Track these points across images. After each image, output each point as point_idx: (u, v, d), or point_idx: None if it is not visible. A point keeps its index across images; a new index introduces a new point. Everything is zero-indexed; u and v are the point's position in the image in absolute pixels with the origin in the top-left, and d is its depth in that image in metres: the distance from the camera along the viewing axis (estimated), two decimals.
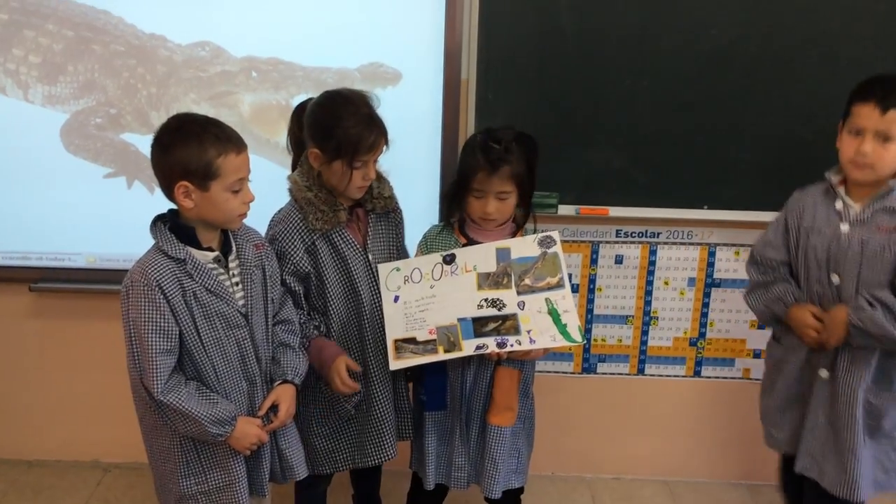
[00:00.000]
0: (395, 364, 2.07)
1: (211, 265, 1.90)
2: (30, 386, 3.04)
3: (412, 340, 2.08)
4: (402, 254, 2.30)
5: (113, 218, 2.74)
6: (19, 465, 3.09)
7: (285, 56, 2.60)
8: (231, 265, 1.94)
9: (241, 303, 1.94)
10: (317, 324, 2.18)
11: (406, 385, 2.32)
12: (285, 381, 2.03)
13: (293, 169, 2.19)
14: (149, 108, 2.65)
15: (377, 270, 2.17)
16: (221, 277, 1.92)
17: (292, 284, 2.12)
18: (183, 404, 1.82)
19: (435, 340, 2.06)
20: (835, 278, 2.09)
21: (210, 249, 1.91)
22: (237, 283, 1.95)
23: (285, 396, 2.02)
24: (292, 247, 2.09)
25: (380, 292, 2.17)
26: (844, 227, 2.07)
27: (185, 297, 1.84)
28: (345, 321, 2.19)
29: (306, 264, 2.10)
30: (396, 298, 2.14)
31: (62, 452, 3.13)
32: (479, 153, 2.11)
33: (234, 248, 1.96)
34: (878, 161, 2.00)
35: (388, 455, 2.24)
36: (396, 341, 2.09)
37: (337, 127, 2.00)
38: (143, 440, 1.99)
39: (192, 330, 1.85)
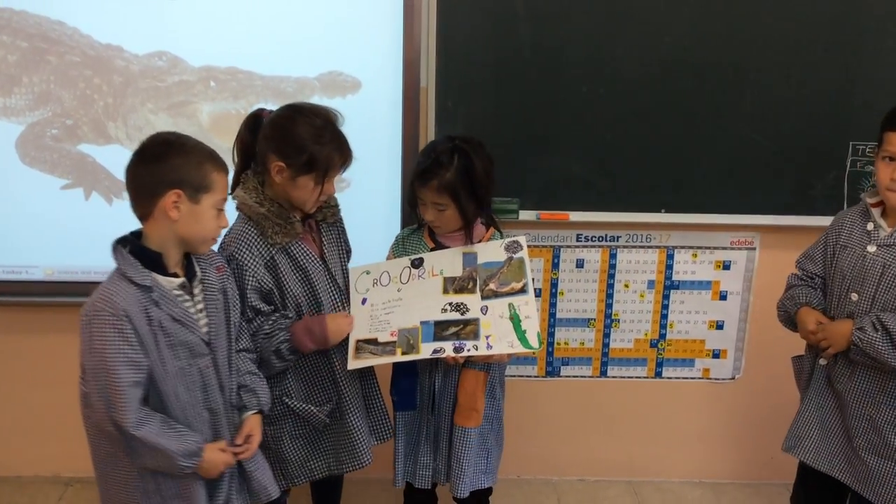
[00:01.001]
0: (352, 363, 2.09)
1: (176, 292, 1.83)
2: None
3: (373, 342, 2.10)
4: (349, 261, 2.30)
5: (71, 229, 2.71)
6: None
7: (244, 65, 2.60)
8: (195, 291, 1.88)
9: (204, 330, 1.88)
10: (290, 314, 2.12)
11: (377, 388, 2.32)
12: (259, 412, 2.02)
13: (235, 178, 2.11)
14: (106, 118, 2.63)
15: (336, 278, 2.17)
16: (187, 304, 1.85)
17: (258, 304, 2.07)
18: (155, 439, 1.75)
19: (395, 342, 2.08)
20: (854, 296, 2.14)
21: (174, 275, 1.84)
22: (201, 310, 1.88)
23: (257, 427, 2.01)
24: (252, 263, 2.04)
25: (339, 300, 2.18)
26: (871, 248, 2.12)
27: (152, 327, 1.76)
28: None
29: (268, 280, 2.06)
30: (364, 301, 2.16)
31: (22, 468, 3.08)
32: (416, 163, 2.16)
33: (198, 273, 1.89)
34: None
35: (363, 462, 2.24)
36: (358, 341, 2.11)
37: (313, 144, 1.99)
38: (95, 470, 1.91)
39: (157, 360, 1.78)
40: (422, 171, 2.10)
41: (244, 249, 2.04)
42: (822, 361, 2.23)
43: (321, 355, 2.17)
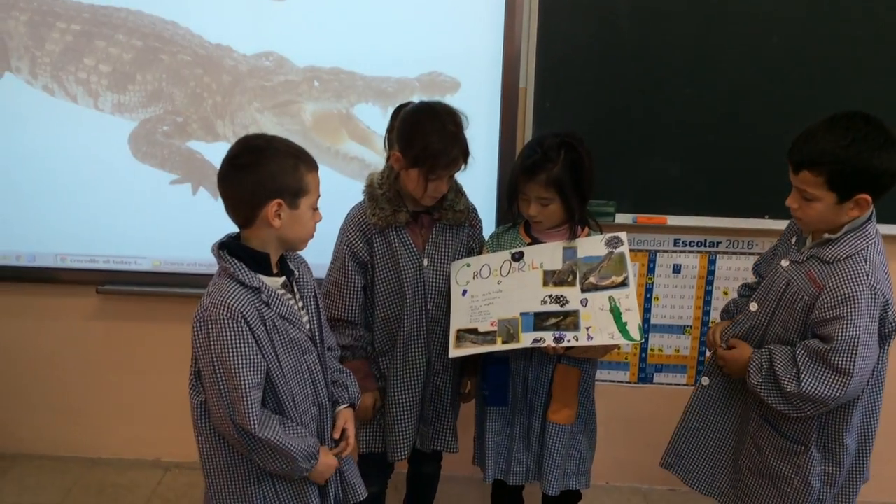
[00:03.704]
0: (454, 352, 2.13)
1: (280, 291, 1.85)
2: (94, 385, 3.13)
3: (473, 331, 2.12)
4: None
5: (178, 223, 2.82)
6: (83, 463, 3.18)
7: (346, 66, 2.65)
8: (294, 289, 1.91)
9: (307, 327, 1.91)
10: (366, 344, 2.26)
11: (448, 400, 2.35)
12: (350, 405, 2.06)
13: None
14: (214, 116, 2.72)
15: (427, 276, 2.22)
16: (291, 302, 1.87)
17: (357, 280, 2.19)
18: (279, 440, 1.77)
19: (495, 332, 2.10)
20: (753, 306, 2.06)
21: (276, 275, 1.87)
22: (301, 308, 1.92)
23: (351, 421, 2.04)
24: (354, 236, 2.18)
25: (422, 300, 2.22)
26: (784, 263, 2.01)
27: (266, 327, 1.78)
28: (385, 318, 2.25)
29: (365, 253, 2.18)
30: (464, 292, 2.19)
31: (124, 451, 3.21)
32: (522, 157, 2.15)
33: (294, 272, 1.92)
34: (803, 217, 1.92)
35: (399, 455, 2.30)
36: (458, 331, 2.14)
37: (420, 138, 2.05)
38: (208, 481, 1.91)
39: (274, 360, 1.79)
40: (530, 165, 2.10)
41: (352, 223, 2.20)
42: (705, 381, 2.19)
43: (385, 350, 2.27)
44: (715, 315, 2.84)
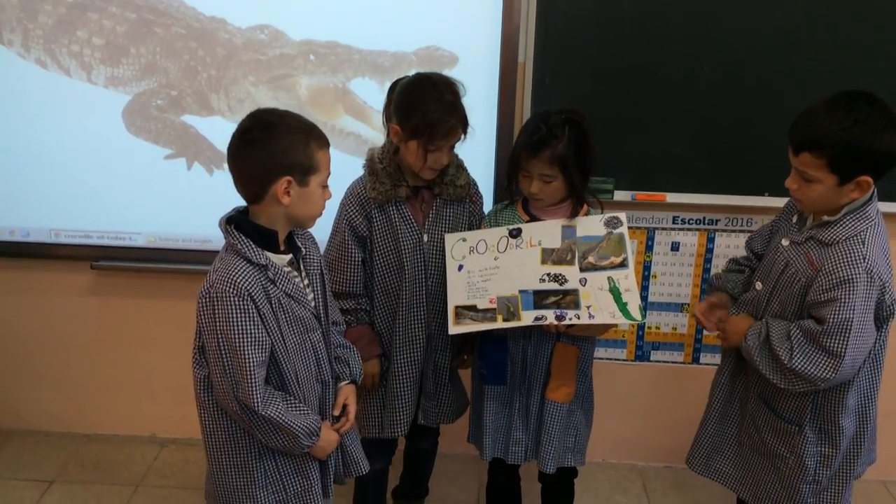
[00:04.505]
0: (453, 329, 2.11)
1: (286, 268, 1.84)
2: (89, 361, 3.12)
3: (472, 308, 2.11)
4: None
5: (173, 198, 2.79)
6: (78, 439, 3.18)
7: (343, 39, 2.61)
8: (300, 266, 1.90)
9: (312, 304, 1.90)
10: (367, 309, 2.26)
11: (446, 374, 2.35)
12: (352, 382, 2.06)
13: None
14: (209, 90, 2.69)
15: (427, 251, 2.21)
16: (297, 280, 1.87)
17: (357, 254, 2.19)
18: (283, 417, 1.78)
19: (495, 309, 2.09)
20: (758, 285, 2.05)
21: (283, 252, 1.85)
22: (307, 285, 1.91)
23: (352, 397, 2.04)
24: (353, 210, 2.17)
25: (422, 274, 2.22)
26: (785, 242, 1.99)
27: (272, 305, 1.77)
28: (384, 292, 2.25)
29: (364, 228, 2.17)
30: (461, 268, 2.18)
31: (120, 427, 3.21)
32: (526, 134, 2.12)
33: (302, 249, 1.90)
34: (803, 198, 1.90)
35: (398, 431, 2.30)
36: (457, 308, 2.13)
37: (418, 109, 2.04)
38: (210, 456, 1.92)
39: (279, 338, 1.79)
40: (535, 142, 2.07)
41: (351, 198, 2.19)
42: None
43: (385, 325, 2.27)
44: None
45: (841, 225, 1.86)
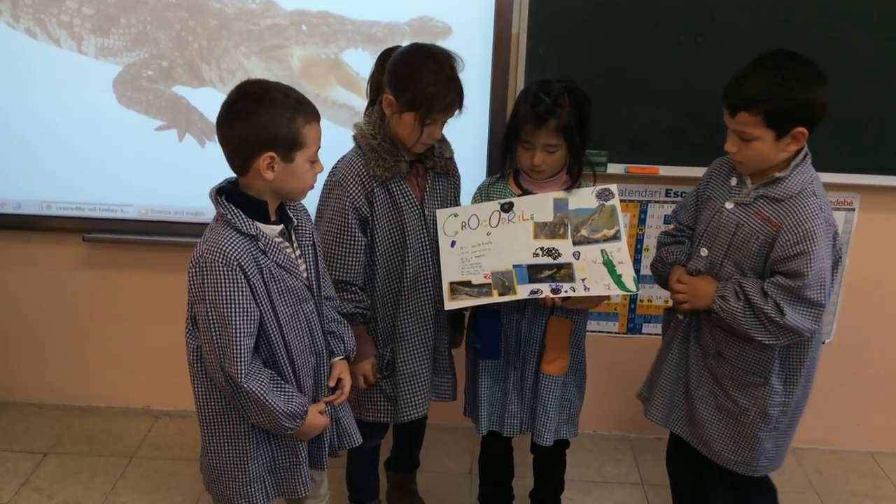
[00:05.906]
0: (449, 304, 2.10)
1: (277, 239, 1.83)
2: (82, 334, 3.12)
3: (467, 284, 2.10)
4: None
5: (165, 170, 2.78)
6: (72, 411, 3.19)
7: (335, 9, 2.59)
8: (292, 237, 1.89)
9: (304, 275, 1.89)
10: (365, 309, 2.19)
11: (447, 348, 2.34)
12: (346, 357, 2.05)
13: (366, 111, 2.18)
14: (200, 61, 2.67)
15: (430, 226, 2.18)
16: (288, 251, 1.85)
17: (360, 239, 2.11)
18: (264, 394, 1.77)
19: (490, 284, 2.09)
20: (703, 251, 2.08)
21: (274, 223, 1.84)
22: (299, 256, 1.89)
23: (346, 372, 2.04)
24: (354, 190, 2.08)
25: (426, 249, 2.19)
26: (728, 205, 2.03)
27: (263, 276, 1.76)
28: (387, 273, 2.20)
29: (366, 209, 2.10)
30: (453, 243, 2.16)
31: (114, 399, 3.22)
32: (528, 105, 2.08)
33: (293, 220, 1.88)
34: (743, 159, 1.95)
35: (418, 412, 2.27)
36: (452, 283, 2.11)
37: (417, 81, 2.00)
38: (202, 427, 1.92)
39: (268, 309, 1.78)
40: (541, 112, 2.05)
41: (350, 177, 2.09)
42: (680, 316, 2.18)
43: (389, 305, 2.22)
44: None
45: (791, 179, 1.93)
